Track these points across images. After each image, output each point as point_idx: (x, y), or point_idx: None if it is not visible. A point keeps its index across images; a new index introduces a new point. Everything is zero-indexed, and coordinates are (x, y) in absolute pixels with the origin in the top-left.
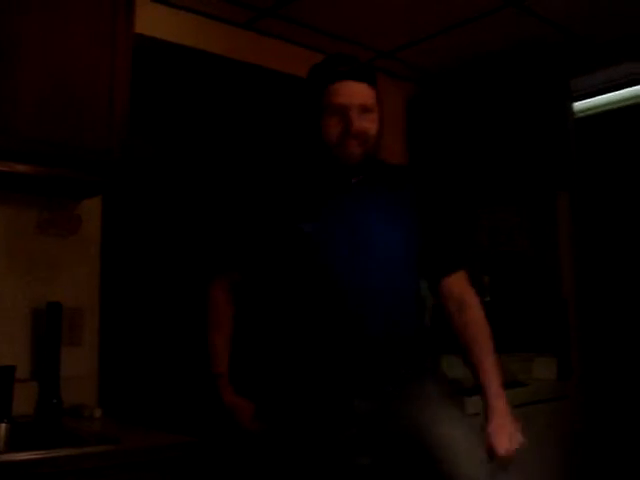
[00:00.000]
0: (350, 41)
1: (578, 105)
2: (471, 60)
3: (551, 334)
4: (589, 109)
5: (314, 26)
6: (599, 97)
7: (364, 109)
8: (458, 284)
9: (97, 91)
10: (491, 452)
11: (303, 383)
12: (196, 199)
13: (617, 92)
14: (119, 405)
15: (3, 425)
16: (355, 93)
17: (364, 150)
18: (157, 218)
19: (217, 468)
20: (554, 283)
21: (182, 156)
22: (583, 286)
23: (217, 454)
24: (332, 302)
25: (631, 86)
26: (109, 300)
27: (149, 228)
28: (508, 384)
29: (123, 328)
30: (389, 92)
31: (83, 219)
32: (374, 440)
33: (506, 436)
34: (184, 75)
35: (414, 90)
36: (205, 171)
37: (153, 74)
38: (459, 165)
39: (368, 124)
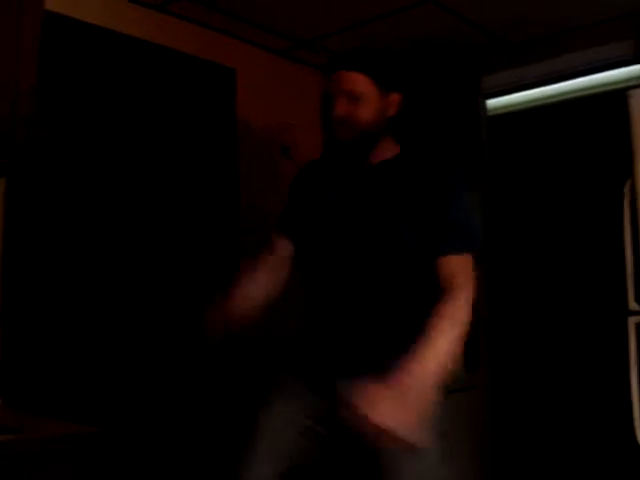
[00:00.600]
0: (268, 29)
1: (490, 103)
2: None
3: None
4: (501, 107)
5: (233, 13)
6: (510, 96)
7: (351, 96)
8: (449, 267)
9: (1, 70)
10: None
11: (303, 350)
12: (105, 185)
13: (528, 92)
14: (20, 394)
15: None
16: (342, 81)
17: (353, 135)
18: (64, 203)
19: (121, 458)
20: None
21: (92, 140)
22: (492, 279)
23: (121, 444)
24: (329, 280)
25: (541, 86)
26: (10, 287)
27: (55, 213)
28: None
29: (25, 315)
30: (307, 82)
31: None
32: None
33: (393, 405)
34: (95, 56)
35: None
36: (115, 156)
37: (62, 54)
38: None
39: (356, 112)
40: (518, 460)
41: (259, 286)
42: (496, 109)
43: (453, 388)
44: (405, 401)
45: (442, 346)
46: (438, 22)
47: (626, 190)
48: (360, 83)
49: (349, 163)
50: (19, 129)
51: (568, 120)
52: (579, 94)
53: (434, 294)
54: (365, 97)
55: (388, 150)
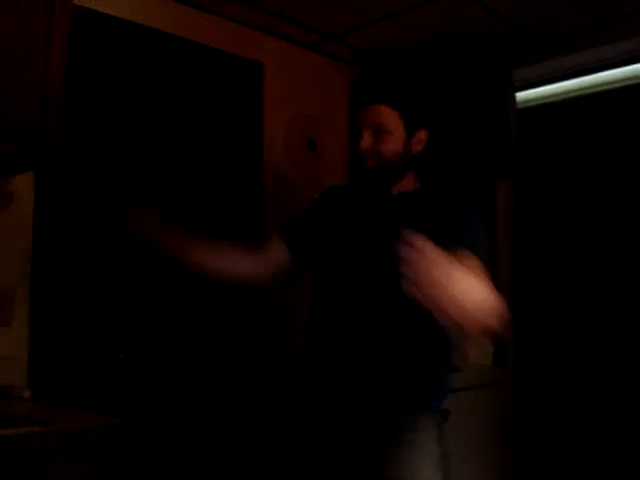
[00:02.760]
0: (295, 22)
1: (520, 96)
2: (416, 46)
3: None
4: (531, 100)
5: (261, 6)
6: (541, 88)
7: (378, 129)
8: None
9: (32, 63)
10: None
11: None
12: (134, 178)
13: (558, 84)
14: (49, 387)
15: None
16: (371, 114)
17: (379, 165)
18: (93, 196)
19: (147, 449)
20: (490, 270)
21: (121, 133)
22: (521, 274)
23: (148, 436)
24: (341, 308)
25: (571, 79)
26: (41, 279)
27: (84, 206)
28: None
29: (54, 308)
30: (333, 75)
31: (15, 195)
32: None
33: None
34: (125, 51)
35: (358, 74)
36: (144, 150)
37: (93, 49)
38: None
39: (382, 144)
40: (544, 454)
41: (220, 256)
42: (526, 102)
43: (481, 382)
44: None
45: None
46: (468, 15)
47: None
48: (389, 117)
49: (371, 192)
50: (48, 122)
51: (599, 113)
52: (610, 86)
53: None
54: (392, 131)
55: (409, 184)
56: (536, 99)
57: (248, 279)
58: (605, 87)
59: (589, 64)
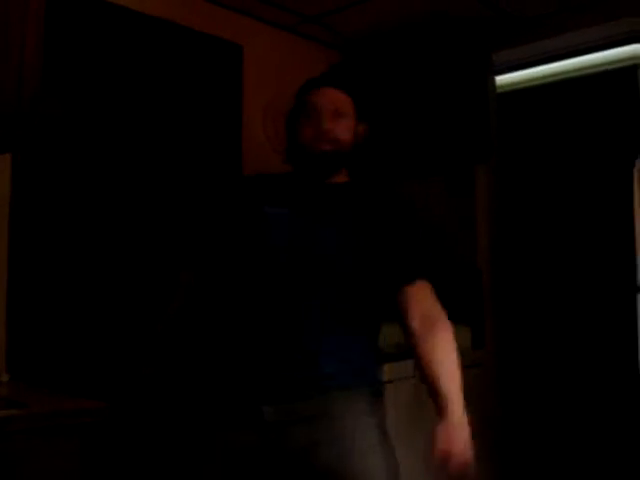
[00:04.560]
0: (275, 4)
1: (500, 79)
2: (395, 29)
3: (465, 304)
4: (510, 84)
5: None
6: (520, 72)
7: (336, 113)
8: (423, 295)
9: (6, 42)
10: (443, 456)
11: (220, 374)
12: (112, 162)
13: (537, 68)
14: (27, 370)
15: None
16: (329, 97)
17: (334, 149)
18: (71, 180)
19: (126, 433)
20: (469, 253)
21: (98, 116)
22: (498, 257)
23: (126, 419)
24: (265, 294)
25: (551, 62)
26: (18, 262)
27: (62, 190)
28: None
29: (32, 290)
30: (313, 58)
31: None
32: (275, 455)
33: (462, 441)
34: (103, 32)
35: (337, 57)
36: (122, 132)
37: (69, 30)
38: (379, 135)
39: (339, 128)
40: (525, 437)
41: None
42: (505, 86)
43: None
44: (465, 438)
45: (457, 373)
46: None
47: (636, 170)
48: (346, 103)
49: (318, 178)
50: (24, 104)
51: (578, 97)
52: (589, 71)
53: (371, 324)
54: (348, 117)
55: (342, 176)
56: (515, 83)
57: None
58: (585, 71)
59: (569, 47)
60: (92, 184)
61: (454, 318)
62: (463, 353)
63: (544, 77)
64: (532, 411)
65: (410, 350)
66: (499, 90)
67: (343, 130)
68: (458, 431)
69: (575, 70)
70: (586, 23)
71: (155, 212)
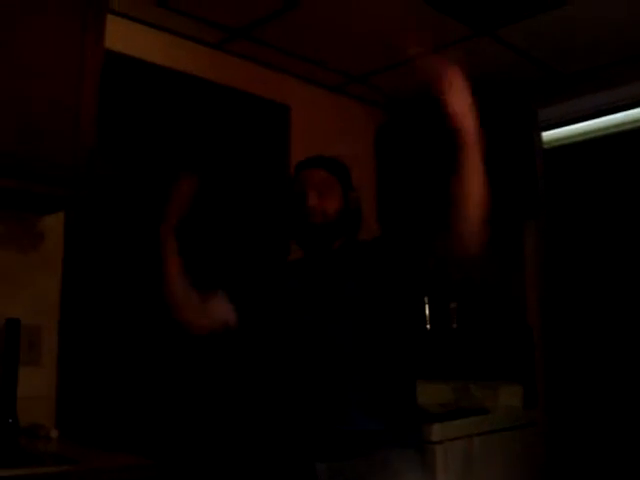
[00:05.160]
0: (321, 65)
1: (546, 135)
2: None
3: (517, 361)
4: (557, 139)
5: (286, 49)
6: (566, 128)
7: (321, 189)
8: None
9: (64, 105)
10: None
11: (273, 437)
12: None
13: (584, 123)
14: (77, 427)
15: None
16: (316, 176)
17: (323, 221)
18: (121, 237)
19: None
20: (520, 310)
21: (149, 176)
22: (549, 314)
23: (175, 477)
24: (298, 361)
25: (597, 117)
26: (69, 319)
27: (112, 247)
28: (474, 411)
29: (83, 348)
30: (359, 118)
31: (45, 235)
32: None
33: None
34: (154, 94)
35: (382, 117)
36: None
37: (122, 91)
38: (427, 193)
39: (325, 201)
40: None
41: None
42: (552, 141)
43: (511, 425)
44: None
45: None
46: (493, 55)
47: None
48: (328, 178)
49: (317, 247)
50: (80, 161)
51: (625, 152)
52: (636, 125)
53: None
54: (332, 190)
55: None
56: (562, 138)
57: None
58: (631, 125)
59: (614, 103)
60: (138, 243)
61: (505, 376)
62: (515, 413)
63: (590, 132)
64: (585, 472)
65: (458, 411)
66: (546, 146)
67: (330, 204)
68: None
69: (620, 125)
70: (632, 77)
71: (202, 272)
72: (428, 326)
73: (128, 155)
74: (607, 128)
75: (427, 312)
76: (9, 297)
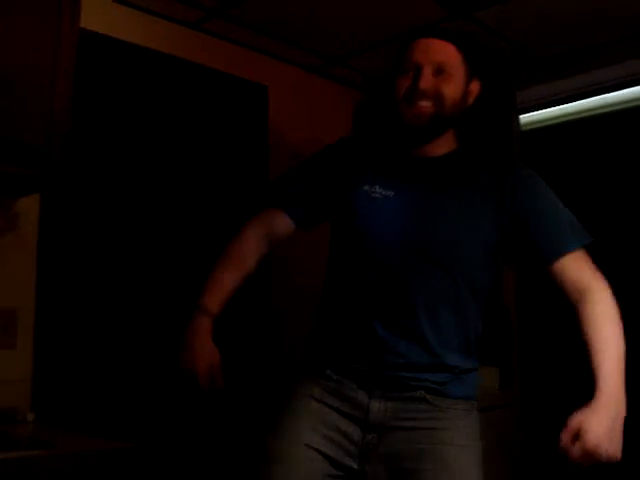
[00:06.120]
0: (300, 46)
1: (524, 117)
2: None
3: (493, 343)
4: (535, 122)
5: (265, 29)
6: (544, 110)
7: (439, 68)
8: (575, 267)
9: (38, 85)
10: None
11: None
12: (136, 201)
13: (562, 106)
14: (53, 410)
15: None
16: (431, 49)
17: (434, 112)
18: (97, 219)
19: (153, 474)
20: (496, 292)
21: (125, 156)
22: (525, 295)
23: (153, 460)
24: (371, 290)
25: (575, 101)
26: (45, 301)
27: (89, 229)
28: None
29: (59, 331)
30: (338, 99)
31: (20, 217)
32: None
33: (603, 426)
34: (130, 74)
35: (361, 97)
36: (148, 173)
37: (98, 71)
38: None
39: (442, 84)
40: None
41: (237, 277)
42: (530, 124)
43: (487, 406)
44: (612, 422)
45: (618, 352)
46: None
47: None
48: (453, 56)
49: (408, 149)
50: (55, 144)
51: (603, 134)
52: (615, 108)
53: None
54: (455, 72)
55: (447, 144)
56: (540, 121)
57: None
58: (609, 109)
59: (593, 85)
60: (115, 226)
61: (481, 358)
62: (491, 394)
63: (568, 115)
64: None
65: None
66: (523, 128)
67: (450, 88)
68: (601, 411)
69: (597, 108)
70: (610, 61)
71: (178, 254)
72: None
73: (104, 136)
74: (584, 111)
75: None
76: None
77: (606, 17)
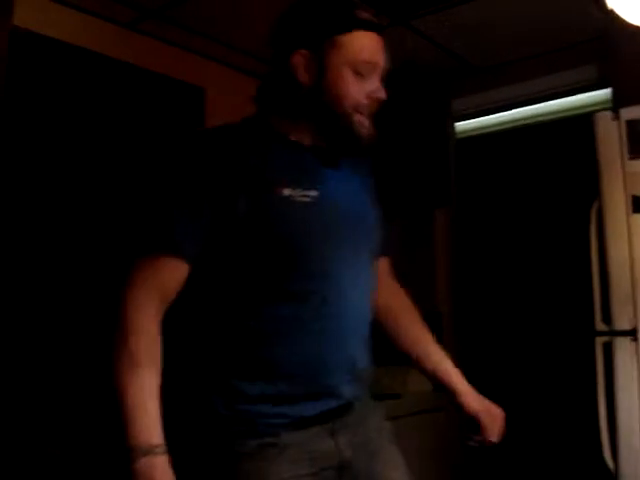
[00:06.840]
0: (236, 48)
1: (459, 125)
2: None
3: None
4: (470, 130)
5: (201, 32)
6: (479, 119)
7: (382, 74)
8: (389, 267)
9: None
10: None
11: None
12: (69, 204)
13: (496, 115)
14: None
15: None
16: (382, 51)
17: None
18: (28, 218)
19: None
20: (429, 296)
21: (58, 156)
22: (458, 299)
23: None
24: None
25: (509, 110)
26: None
27: (20, 229)
28: (382, 396)
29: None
30: None
31: None
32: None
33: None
34: (65, 73)
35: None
36: (83, 173)
37: (31, 70)
38: None
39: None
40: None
41: (158, 383)
42: (465, 132)
43: (420, 409)
44: None
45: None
46: (409, 45)
47: (593, 212)
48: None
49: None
50: None
51: (536, 143)
52: (546, 118)
53: None
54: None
55: None
56: (474, 129)
57: None
58: (541, 118)
59: (525, 95)
60: (39, 225)
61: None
62: (426, 397)
63: (502, 123)
64: (495, 457)
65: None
66: (459, 136)
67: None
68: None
69: (530, 117)
70: (542, 72)
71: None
72: None
73: (37, 136)
74: (517, 120)
75: None
76: None
77: (539, 29)
